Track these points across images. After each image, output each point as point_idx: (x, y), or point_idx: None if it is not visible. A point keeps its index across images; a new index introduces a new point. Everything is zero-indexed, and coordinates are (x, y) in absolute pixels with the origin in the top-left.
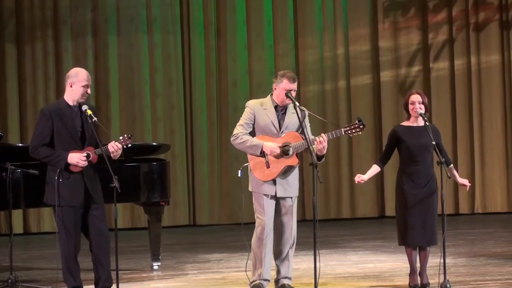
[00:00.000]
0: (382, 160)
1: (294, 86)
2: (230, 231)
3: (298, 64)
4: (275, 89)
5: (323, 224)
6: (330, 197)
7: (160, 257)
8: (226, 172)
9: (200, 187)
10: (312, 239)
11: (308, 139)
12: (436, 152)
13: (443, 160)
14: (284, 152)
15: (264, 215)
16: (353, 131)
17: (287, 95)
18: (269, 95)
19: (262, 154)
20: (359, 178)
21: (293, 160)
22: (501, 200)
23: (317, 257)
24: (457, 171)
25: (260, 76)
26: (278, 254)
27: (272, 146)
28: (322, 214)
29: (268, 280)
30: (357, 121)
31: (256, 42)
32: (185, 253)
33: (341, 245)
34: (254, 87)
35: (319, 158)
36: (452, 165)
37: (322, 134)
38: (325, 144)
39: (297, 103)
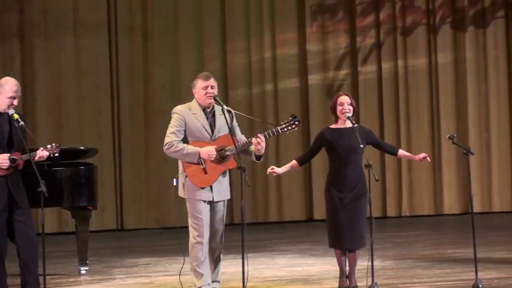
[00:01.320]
0: (303, 158)
1: (210, 82)
2: (158, 235)
3: (226, 68)
4: (195, 93)
5: (251, 228)
6: (257, 200)
7: (87, 262)
8: (154, 175)
9: (127, 191)
10: (240, 242)
11: (241, 141)
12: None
13: (371, 163)
14: (221, 156)
15: (203, 220)
16: (289, 128)
17: (215, 99)
18: (193, 100)
19: (199, 161)
20: (272, 169)
21: (231, 164)
22: (428, 203)
23: (245, 261)
24: (384, 175)
25: (188, 79)
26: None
27: (209, 150)
28: (250, 217)
29: (211, 283)
30: (291, 118)
31: (184, 46)
32: (112, 258)
33: (269, 249)
34: (182, 91)
35: (258, 158)
36: (399, 150)
37: (259, 134)
38: (264, 144)
39: (224, 106)
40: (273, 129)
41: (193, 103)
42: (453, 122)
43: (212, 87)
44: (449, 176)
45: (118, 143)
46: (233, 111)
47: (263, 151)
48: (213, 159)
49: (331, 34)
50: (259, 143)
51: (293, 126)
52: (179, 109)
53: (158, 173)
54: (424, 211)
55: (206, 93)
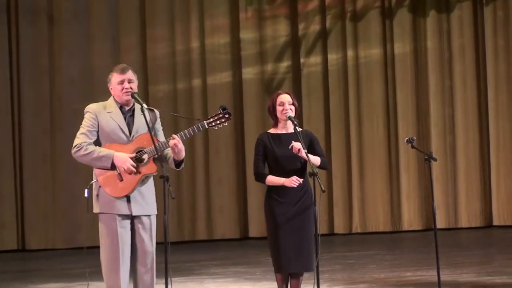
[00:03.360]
0: (262, 168)
1: (127, 75)
2: (68, 256)
3: (146, 59)
4: (111, 89)
5: (176, 247)
6: (183, 215)
7: None
8: (62, 187)
9: (30, 205)
10: (163, 264)
11: (159, 142)
12: (308, 161)
13: (316, 171)
14: (138, 159)
15: (119, 240)
16: (217, 122)
17: (133, 96)
18: (110, 97)
19: (113, 166)
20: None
21: (150, 168)
22: (384, 217)
23: (169, 286)
24: (331, 184)
25: (102, 73)
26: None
27: (124, 158)
28: (174, 235)
29: None
30: (220, 110)
31: (97, 34)
32: (13, 283)
33: (197, 272)
34: (95, 87)
35: (177, 164)
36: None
37: (174, 135)
38: (181, 146)
39: (144, 105)
40: (198, 125)
41: (110, 101)
42: (413, 122)
43: (130, 81)
44: (408, 186)
45: (19, 149)
46: (157, 111)
47: (182, 155)
48: (127, 168)
49: (269, 21)
50: (176, 145)
51: (223, 120)
52: (92, 107)
53: (67, 185)
54: (379, 227)
55: (122, 89)
